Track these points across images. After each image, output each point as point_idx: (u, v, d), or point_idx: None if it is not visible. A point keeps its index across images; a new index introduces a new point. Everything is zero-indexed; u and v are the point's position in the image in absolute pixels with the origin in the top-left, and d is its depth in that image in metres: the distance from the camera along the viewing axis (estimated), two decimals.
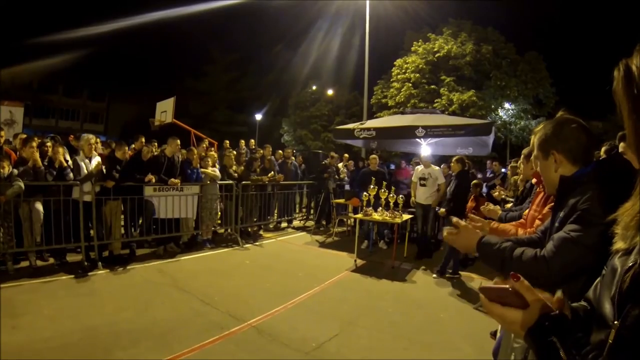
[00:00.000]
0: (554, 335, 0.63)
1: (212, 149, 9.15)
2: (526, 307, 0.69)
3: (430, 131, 7.31)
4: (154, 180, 5.32)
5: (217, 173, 6.41)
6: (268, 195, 7.70)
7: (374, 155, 7.80)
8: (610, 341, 0.61)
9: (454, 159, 5.74)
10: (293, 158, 9.41)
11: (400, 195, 6.03)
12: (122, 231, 5.42)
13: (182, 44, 34.41)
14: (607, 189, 0.77)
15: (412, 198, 6.55)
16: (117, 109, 34.53)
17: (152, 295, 4.00)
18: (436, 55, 21.60)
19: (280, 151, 9.58)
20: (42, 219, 4.61)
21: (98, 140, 5.77)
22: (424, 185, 6.25)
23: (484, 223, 2.15)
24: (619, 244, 0.68)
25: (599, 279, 0.78)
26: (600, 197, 1.13)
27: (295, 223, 9.01)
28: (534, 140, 1.41)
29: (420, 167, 6.45)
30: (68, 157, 5.12)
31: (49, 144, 4.99)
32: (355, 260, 5.74)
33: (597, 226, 1.06)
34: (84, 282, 4.28)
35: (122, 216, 5.40)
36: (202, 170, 6.28)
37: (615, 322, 0.62)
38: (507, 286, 0.71)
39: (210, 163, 6.40)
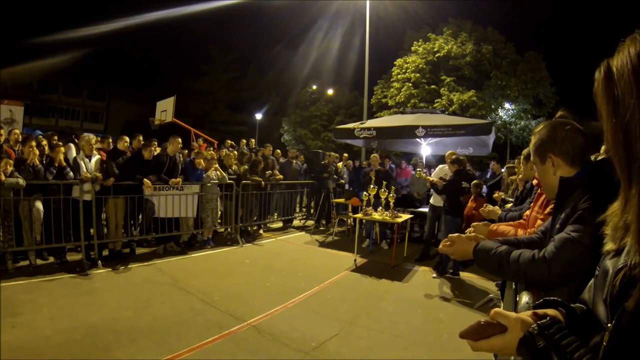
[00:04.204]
0: (544, 341, 0.63)
1: (211, 148, 9.17)
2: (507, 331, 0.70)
3: (431, 131, 7.30)
4: (151, 185, 5.29)
5: (225, 175, 6.50)
6: (268, 194, 7.70)
7: (374, 155, 7.80)
8: (604, 343, 0.61)
9: (449, 160, 5.47)
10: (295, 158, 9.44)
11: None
12: (122, 230, 5.42)
13: (181, 44, 34.39)
14: (604, 190, 0.78)
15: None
16: (117, 108, 34.49)
17: (152, 295, 4.00)
18: (436, 55, 21.59)
19: (278, 150, 9.58)
20: (42, 217, 4.60)
21: (98, 138, 5.81)
22: None
23: (483, 226, 2.17)
24: (609, 245, 0.68)
25: (592, 280, 0.78)
26: (598, 198, 1.13)
27: (295, 222, 9.02)
28: (530, 145, 1.42)
29: (444, 167, 5.97)
30: (74, 154, 5.14)
31: (44, 142, 4.99)
32: (355, 260, 5.75)
33: (597, 226, 1.06)
34: (83, 281, 4.28)
35: (122, 215, 5.39)
36: (218, 169, 6.39)
37: (609, 325, 0.62)
38: (480, 321, 0.73)
39: (215, 164, 6.44)
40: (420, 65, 21.82)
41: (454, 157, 5.50)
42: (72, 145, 5.47)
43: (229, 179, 6.62)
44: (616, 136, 0.60)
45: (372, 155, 7.82)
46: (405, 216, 6.21)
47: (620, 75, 0.59)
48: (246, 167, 7.19)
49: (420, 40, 22.46)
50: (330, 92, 28.25)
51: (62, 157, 4.82)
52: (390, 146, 11.11)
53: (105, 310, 3.50)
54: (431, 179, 5.79)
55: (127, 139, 5.60)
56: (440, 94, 21.02)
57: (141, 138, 6.58)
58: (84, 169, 4.90)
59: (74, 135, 6.39)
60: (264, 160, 7.75)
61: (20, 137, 5.47)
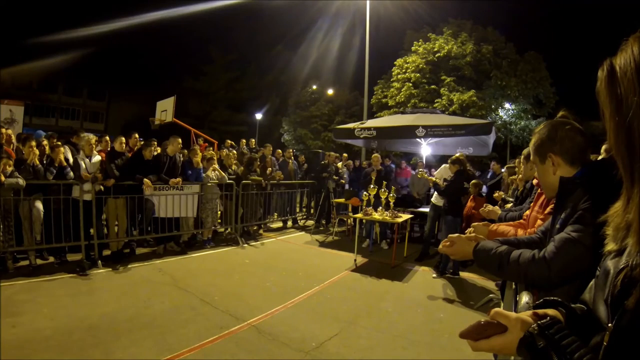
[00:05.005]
0: (544, 341, 0.63)
1: (211, 148, 9.17)
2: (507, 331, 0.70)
3: (431, 131, 7.30)
4: (151, 185, 5.29)
5: (225, 175, 6.51)
6: (268, 194, 7.70)
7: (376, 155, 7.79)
8: (605, 344, 0.61)
9: (450, 160, 5.52)
10: (293, 158, 9.43)
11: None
12: (123, 230, 5.42)
13: (181, 44, 34.45)
14: (604, 190, 0.77)
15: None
16: (117, 108, 34.54)
17: (152, 294, 4.00)
18: (436, 55, 21.59)
19: (279, 150, 9.59)
20: (42, 217, 4.61)
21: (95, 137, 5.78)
22: None
23: (483, 226, 2.17)
24: (610, 245, 0.68)
25: (593, 280, 0.77)
26: (599, 198, 1.12)
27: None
28: (530, 145, 1.42)
29: (447, 166, 5.91)
30: (70, 156, 5.12)
31: (44, 142, 4.99)
32: (355, 260, 5.75)
33: (597, 226, 1.06)
34: (83, 281, 4.28)
35: (123, 215, 5.39)
36: (217, 169, 6.41)
37: (610, 325, 0.62)
38: (480, 320, 0.73)
39: (214, 164, 6.44)
40: (421, 65, 21.81)
41: (453, 158, 5.50)
42: (67, 147, 5.42)
43: (229, 179, 6.63)
44: (619, 135, 0.60)
45: (373, 155, 7.79)
46: (405, 216, 6.21)
47: (623, 73, 0.59)
48: (242, 168, 7.18)
49: (421, 40, 22.45)
50: (330, 92, 28.25)
51: (62, 157, 4.82)
52: (390, 146, 11.13)
53: (105, 310, 3.50)
54: (433, 179, 5.80)
55: (123, 139, 5.58)
56: (440, 94, 21.00)
57: (137, 135, 6.57)
58: (84, 169, 4.90)
59: (70, 134, 6.33)
60: (262, 160, 7.75)
61: (12, 137, 5.40)
